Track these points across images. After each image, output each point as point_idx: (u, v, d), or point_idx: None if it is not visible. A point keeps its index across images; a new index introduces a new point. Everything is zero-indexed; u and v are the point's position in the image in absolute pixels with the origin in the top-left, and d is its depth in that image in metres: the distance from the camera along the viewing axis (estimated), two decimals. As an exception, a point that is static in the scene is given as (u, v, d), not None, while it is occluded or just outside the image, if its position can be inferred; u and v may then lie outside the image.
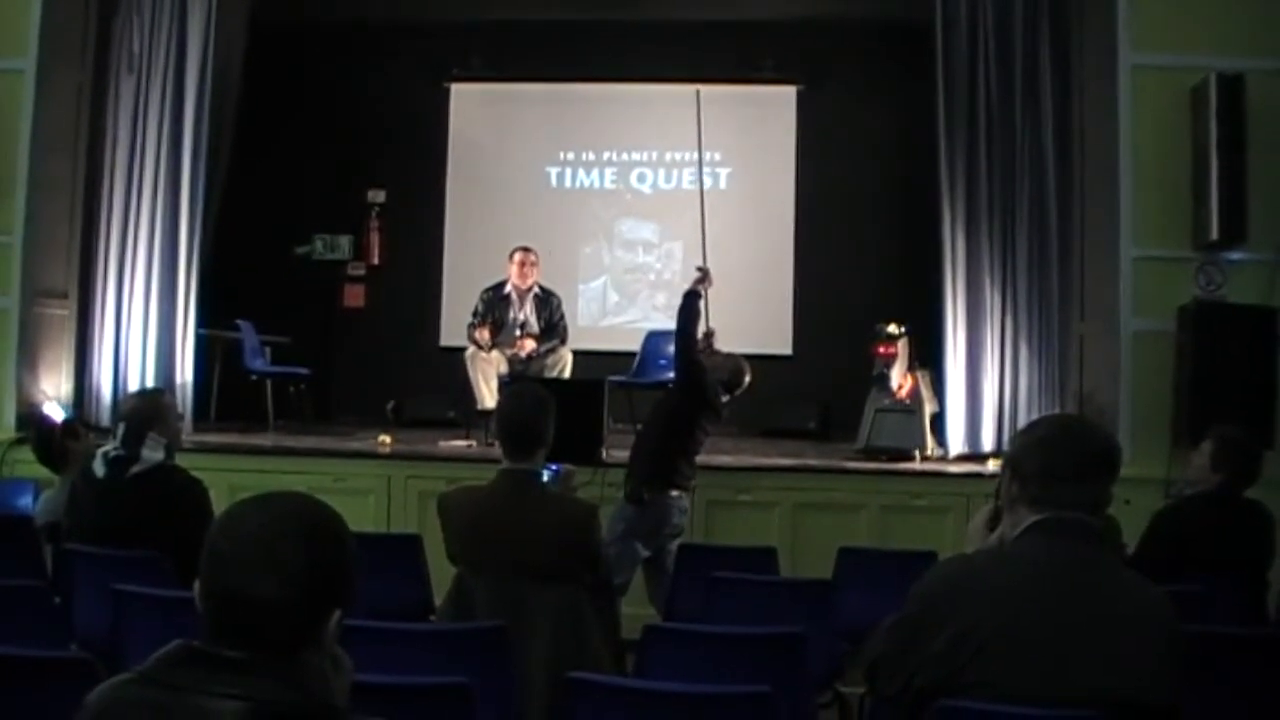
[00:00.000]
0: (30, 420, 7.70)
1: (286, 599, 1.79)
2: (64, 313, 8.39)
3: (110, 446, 4.81)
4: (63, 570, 4.80)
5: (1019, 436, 2.94)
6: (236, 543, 1.82)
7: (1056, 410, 7.57)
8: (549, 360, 8.65)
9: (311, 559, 1.83)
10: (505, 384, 8.25)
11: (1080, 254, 7.94)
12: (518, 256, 8.91)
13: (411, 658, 3.58)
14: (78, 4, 8.37)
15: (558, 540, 4.02)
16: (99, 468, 4.76)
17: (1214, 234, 7.12)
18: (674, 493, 6.06)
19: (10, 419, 7.93)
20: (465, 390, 8.64)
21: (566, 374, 8.61)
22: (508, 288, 8.87)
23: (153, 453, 4.73)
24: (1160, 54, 7.44)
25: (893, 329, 8.24)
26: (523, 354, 8.64)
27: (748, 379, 6.36)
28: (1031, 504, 2.65)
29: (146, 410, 4.88)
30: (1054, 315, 7.96)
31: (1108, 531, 3.22)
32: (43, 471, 6.25)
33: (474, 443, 8.32)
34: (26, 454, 7.26)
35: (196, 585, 1.84)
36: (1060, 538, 2.59)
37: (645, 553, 6.00)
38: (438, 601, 4.62)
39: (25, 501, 7.12)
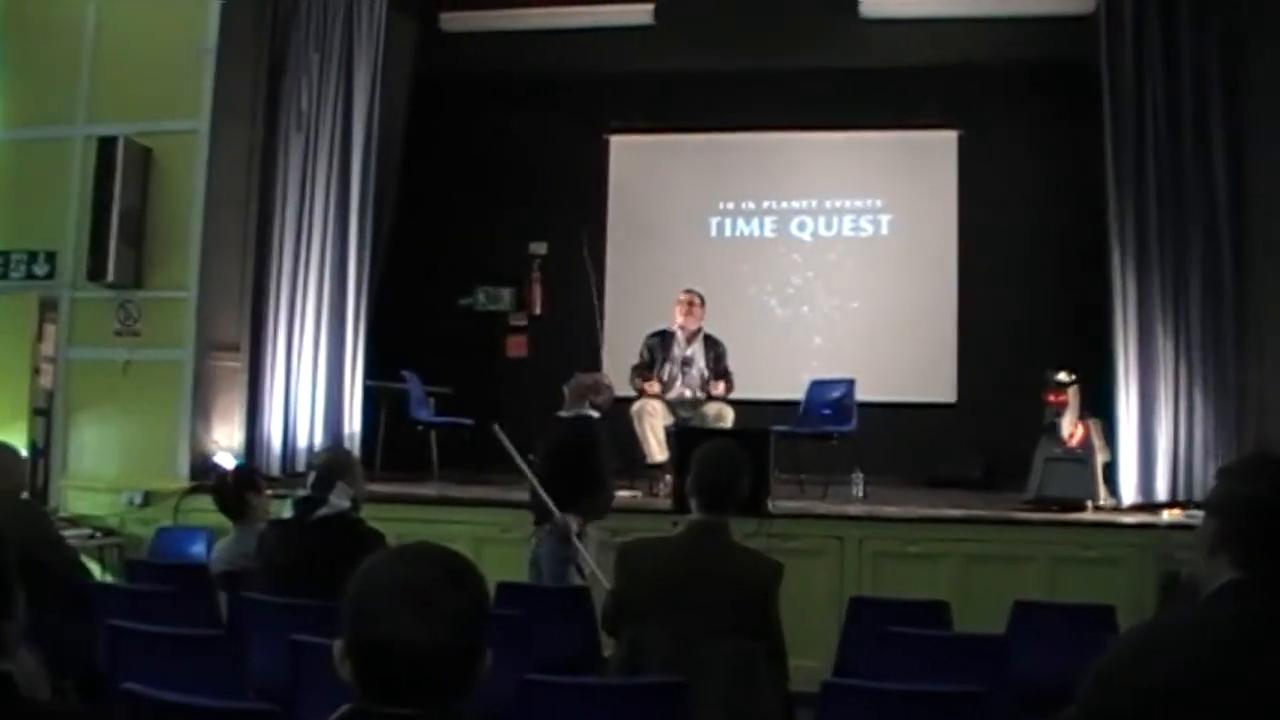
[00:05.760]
0: (206, 471, 7.96)
1: (450, 643, 1.77)
2: (235, 365, 8.59)
3: (302, 492, 5.02)
4: (238, 618, 4.92)
5: (1232, 480, 2.59)
6: (389, 594, 1.79)
7: (1233, 456, 7.33)
8: (711, 412, 8.64)
9: (466, 601, 1.81)
10: (671, 434, 8.26)
11: (1255, 299, 7.71)
12: (684, 298, 9.02)
13: (588, 713, 3.60)
14: (248, 66, 8.66)
15: (742, 590, 4.00)
16: (287, 510, 5.00)
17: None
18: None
19: (185, 469, 8.16)
20: (630, 440, 8.65)
21: (728, 425, 8.58)
22: (673, 328, 8.96)
23: (340, 500, 4.90)
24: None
25: (1063, 376, 8.07)
26: (716, 393, 8.70)
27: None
28: (1234, 561, 2.44)
29: (337, 462, 5.18)
30: (1229, 361, 7.73)
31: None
32: (216, 520, 6.42)
33: (639, 493, 8.35)
34: (201, 503, 7.46)
35: (337, 645, 1.82)
36: (1255, 601, 2.40)
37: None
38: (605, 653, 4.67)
39: (198, 549, 7.33)
